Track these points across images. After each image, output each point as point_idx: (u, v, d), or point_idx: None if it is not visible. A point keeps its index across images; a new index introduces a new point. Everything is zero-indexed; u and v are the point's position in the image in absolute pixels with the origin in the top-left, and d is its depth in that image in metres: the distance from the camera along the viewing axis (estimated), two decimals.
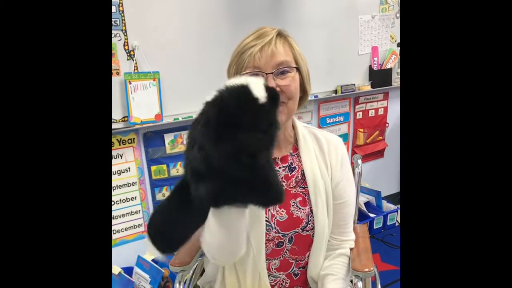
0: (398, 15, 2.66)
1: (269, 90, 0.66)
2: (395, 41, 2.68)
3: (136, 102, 1.81)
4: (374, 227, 2.63)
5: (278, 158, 1.01)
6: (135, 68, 1.82)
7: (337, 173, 1.01)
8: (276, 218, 0.97)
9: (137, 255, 1.97)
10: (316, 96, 2.40)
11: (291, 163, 1.01)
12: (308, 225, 0.97)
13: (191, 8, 1.91)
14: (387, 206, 2.76)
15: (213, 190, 0.67)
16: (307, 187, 0.99)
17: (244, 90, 0.66)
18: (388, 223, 2.69)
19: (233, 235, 0.79)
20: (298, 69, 0.94)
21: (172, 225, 0.77)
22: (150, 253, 0.86)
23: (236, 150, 0.64)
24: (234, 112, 0.64)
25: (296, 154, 1.02)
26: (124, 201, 1.97)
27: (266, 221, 0.96)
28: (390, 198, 2.95)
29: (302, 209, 0.98)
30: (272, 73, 0.89)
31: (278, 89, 0.88)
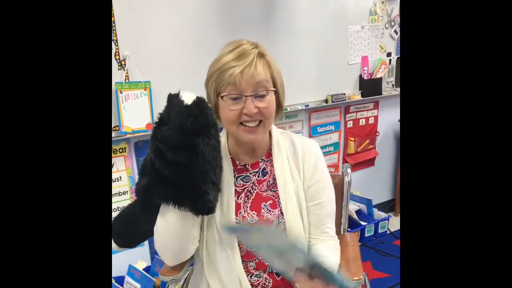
0: (388, 25, 2.70)
1: (196, 97, 0.83)
2: (385, 51, 2.72)
3: (127, 111, 1.82)
4: (366, 235, 2.64)
5: (248, 164, 1.06)
6: (126, 77, 1.82)
7: (309, 175, 1.05)
8: (247, 220, 1.02)
9: (128, 264, 1.96)
10: (307, 105, 2.42)
11: (264, 168, 1.06)
12: (279, 226, 1.01)
13: (182, 17, 1.93)
14: (378, 214, 2.77)
15: (144, 183, 0.84)
16: (277, 190, 1.03)
17: (175, 97, 0.83)
18: (379, 231, 2.70)
19: (175, 236, 0.91)
20: (275, 90, 0.99)
21: (132, 222, 0.92)
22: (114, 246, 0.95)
23: (157, 140, 0.80)
24: (164, 112, 0.83)
25: (269, 160, 1.07)
26: (115, 210, 1.96)
27: (237, 222, 1.01)
28: (381, 206, 2.97)
29: (272, 211, 1.02)
30: (251, 95, 0.93)
31: (256, 110, 0.93)
